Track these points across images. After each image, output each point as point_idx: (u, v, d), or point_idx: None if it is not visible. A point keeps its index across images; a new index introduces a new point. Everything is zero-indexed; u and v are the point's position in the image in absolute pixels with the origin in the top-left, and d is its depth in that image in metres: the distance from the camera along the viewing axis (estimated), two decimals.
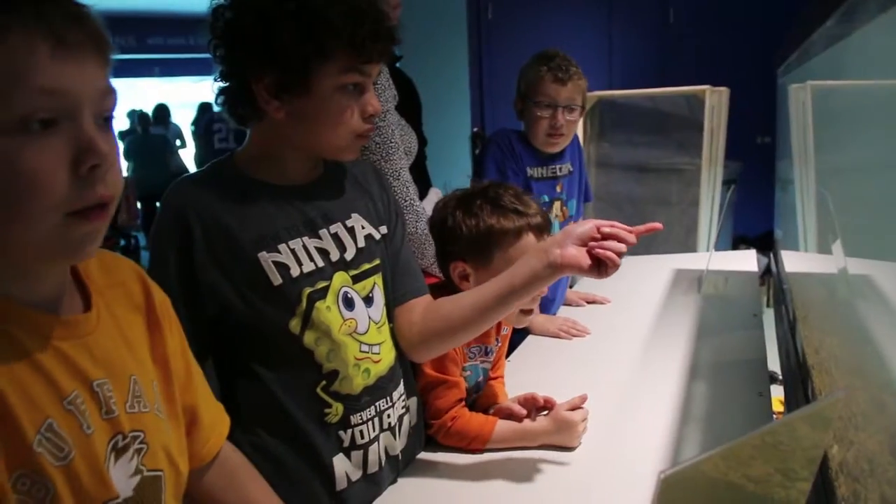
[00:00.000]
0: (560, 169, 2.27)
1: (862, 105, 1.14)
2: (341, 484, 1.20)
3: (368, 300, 1.24)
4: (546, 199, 2.22)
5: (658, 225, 1.25)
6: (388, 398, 1.27)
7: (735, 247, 4.77)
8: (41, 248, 0.70)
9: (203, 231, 1.12)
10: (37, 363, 0.72)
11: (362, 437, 1.22)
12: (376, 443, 1.24)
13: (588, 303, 2.36)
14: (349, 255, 1.22)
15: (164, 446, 0.85)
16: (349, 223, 1.24)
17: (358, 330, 1.22)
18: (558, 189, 2.27)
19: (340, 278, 1.21)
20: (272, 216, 1.17)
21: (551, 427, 1.40)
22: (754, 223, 4.78)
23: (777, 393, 2.10)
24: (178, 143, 9.05)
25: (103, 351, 0.79)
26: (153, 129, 8.86)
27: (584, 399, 1.44)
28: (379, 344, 1.25)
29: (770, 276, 3.51)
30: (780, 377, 2.19)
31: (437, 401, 1.39)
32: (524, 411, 1.40)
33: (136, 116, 9.08)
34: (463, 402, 1.42)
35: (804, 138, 2.15)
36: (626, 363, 1.83)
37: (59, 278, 0.78)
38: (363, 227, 1.26)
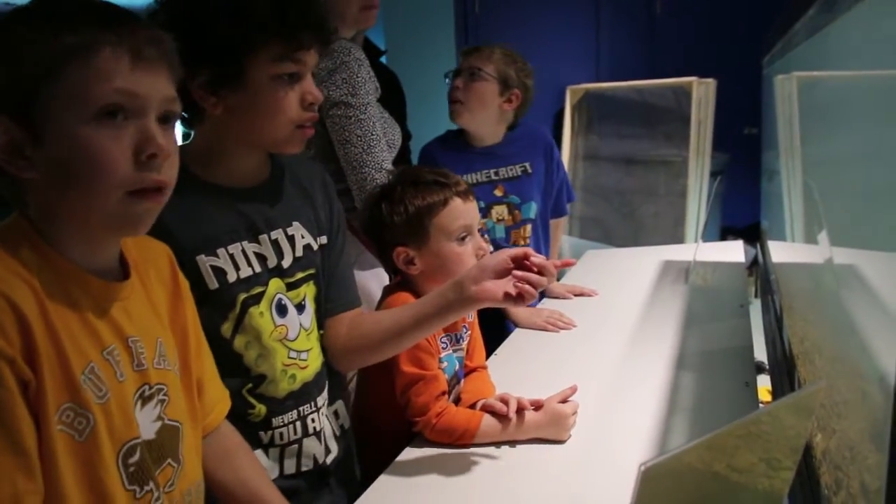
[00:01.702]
0: (499, 172, 2.21)
1: (846, 95, 1.14)
2: None
3: (300, 307, 1.27)
4: (482, 204, 2.14)
5: (572, 261, 1.27)
6: (313, 403, 1.29)
7: (723, 238, 4.78)
8: (106, 220, 0.85)
9: None
10: (86, 318, 0.85)
11: (282, 439, 1.25)
12: (297, 446, 1.26)
13: (575, 295, 2.35)
14: (286, 263, 1.24)
15: (182, 401, 0.98)
16: (290, 231, 1.25)
17: (288, 336, 1.24)
18: (498, 193, 2.21)
19: (276, 285, 1.22)
20: (214, 219, 1.17)
21: (542, 420, 1.40)
22: (742, 214, 4.79)
23: (765, 382, 2.11)
24: None
25: (138, 314, 0.92)
26: None
27: (574, 390, 1.45)
28: (307, 350, 1.28)
29: (757, 267, 3.52)
30: (768, 367, 2.20)
31: (418, 398, 1.39)
32: (505, 408, 1.39)
33: None
34: (445, 396, 1.42)
35: (790, 129, 2.15)
36: (614, 355, 1.84)
37: (112, 250, 0.91)
38: (303, 237, 1.27)
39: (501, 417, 1.38)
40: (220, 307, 1.17)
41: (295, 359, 1.25)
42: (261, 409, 1.22)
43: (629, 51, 5.33)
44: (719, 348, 1.88)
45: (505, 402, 1.40)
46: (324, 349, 1.33)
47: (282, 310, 1.23)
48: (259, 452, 1.22)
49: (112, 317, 0.88)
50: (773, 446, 0.79)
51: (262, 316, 1.20)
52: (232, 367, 1.18)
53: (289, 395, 1.25)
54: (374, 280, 1.83)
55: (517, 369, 1.77)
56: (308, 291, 1.29)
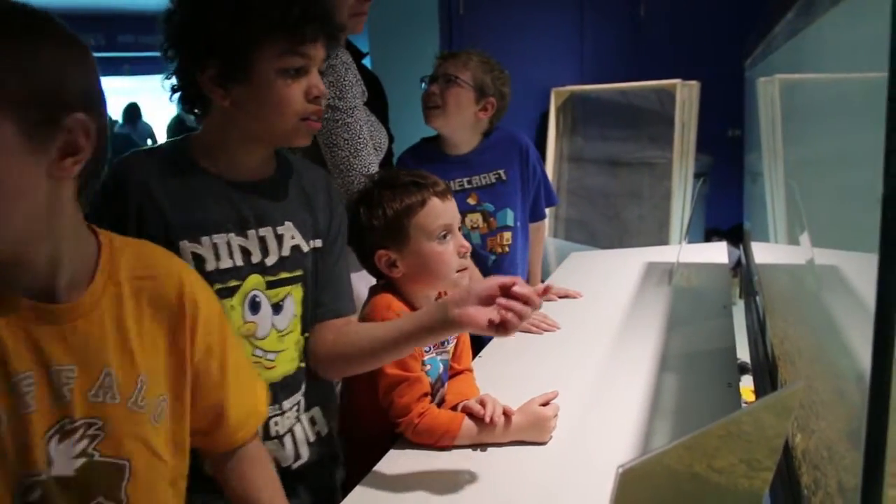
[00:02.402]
0: (472, 180, 2.18)
1: (825, 98, 1.15)
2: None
3: (277, 308, 1.26)
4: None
5: (557, 294, 1.25)
6: (278, 406, 1.27)
7: (708, 239, 4.80)
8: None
9: (137, 206, 1.15)
10: None
11: None
12: None
13: (559, 297, 2.35)
14: (270, 261, 1.24)
15: (138, 437, 0.92)
16: (280, 230, 1.25)
17: (256, 334, 1.24)
18: (471, 201, 2.18)
19: (254, 281, 1.22)
20: (206, 207, 1.19)
21: (523, 422, 1.40)
22: (726, 215, 4.81)
23: (749, 383, 2.12)
24: (149, 142, 9.00)
25: (81, 339, 0.87)
26: (119, 129, 8.85)
27: (556, 394, 1.45)
28: (277, 352, 1.26)
29: (741, 268, 3.54)
30: (751, 368, 2.21)
31: (401, 399, 1.39)
32: (482, 411, 1.39)
33: None
34: (427, 397, 1.42)
35: (773, 131, 2.16)
36: (597, 356, 1.84)
37: (46, 270, 0.85)
38: (293, 237, 1.27)
39: (481, 420, 1.38)
40: None
41: (260, 357, 1.24)
42: None
43: (614, 53, 5.36)
44: (702, 349, 1.88)
45: (484, 404, 1.40)
46: (309, 353, 1.32)
47: (255, 307, 1.23)
48: None
49: (36, 341, 0.84)
50: (754, 447, 0.79)
51: (232, 309, 1.20)
52: None
53: None
54: (361, 282, 1.83)
55: (501, 371, 1.77)
56: (293, 293, 1.28)
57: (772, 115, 2.08)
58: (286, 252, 1.26)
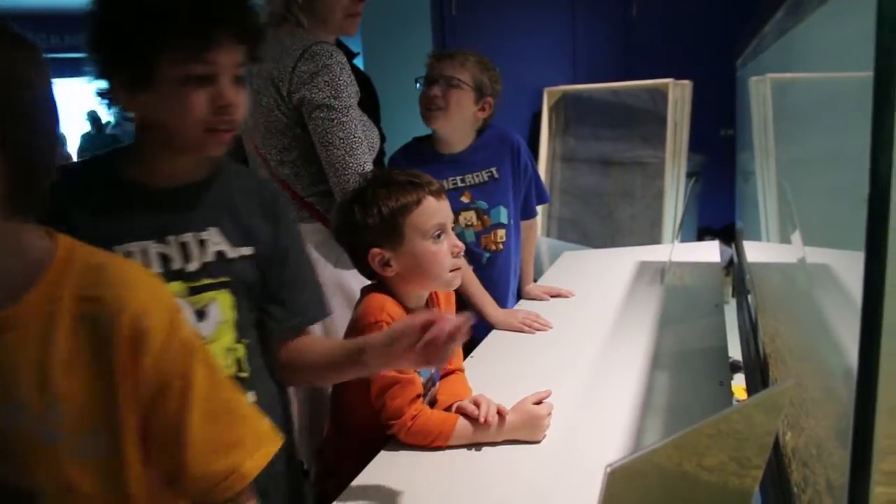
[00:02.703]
0: (465, 179, 2.20)
1: (816, 97, 1.15)
2: None
3: (200, 314, 1.21)
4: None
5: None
6: None
7: (700, 238, 4.81)
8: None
9: (59, 222, 1.08)
10: None
11: None
12: None
13: (552, 296, 2.36)
14: (192, 267, 1.20)
15: (50, 467, 0.86)
16: (203, 235, 1.21)
17: None
18: (465, 199, 2.20)
19: (175, 288, 1.18)
20: (121, 217, 1.16)
21: (517, 421, 1.40)
22: (719, 214, 4.82)
23: (741, 381, 2.13)
24: None
25: None
26: (111, 129, 8.89)
27: (549, 393, 1.46)
28: None
29: (734, 267, 3.55)
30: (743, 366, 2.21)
31: (394, 401, 1.39)
32: (476, 411, 1.39)
33: (90, 117, 9.20)
34: (420, 399, 1.42)
35: (765, 130, 2.17)
36: (590, 355, 1.84)
37: None
38: (217, 243, 1.23)
39: (475, 420, 1.38)
40: None
41: None
42: None
43: (606, 53, 5.37)
44: (694, 348, 1.89)
45: (478, 404, 1.40)
46: (245, 362, 1.27)
47: None
48: None
49: None
50: (744, 445, 0.79)
51: None
52: None
53: None
54: (354, 280, 1.83)
55: (494, 371, 1.77)
56: (220, 299, 1.23)
57: (764, 115, 2.08)
58: (209, 258, 1.22)
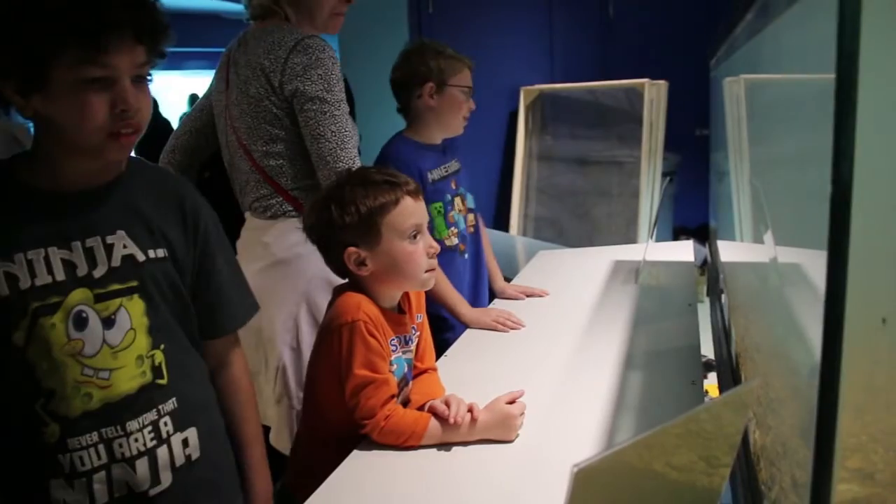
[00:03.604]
0: (449, 167, 2.26)
1: (785, 98, 1.16)
2: None
3: (108, 322, 1.17)
4: (449, 197, 2.22)
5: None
6: (120, 427, 1.18)
7: (676, 237, 4.85)
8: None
9: None
10: None
11: (83, 464, 1.15)
12: (103, 472, 1.17)
13: (526, 296, 2.37)
14: (98, 273, 1.16)
15: None
16: (110, 239, 1.17)
17: (84, 352, 1.15)
18: (453, 186, 2.26)
19: (80, 295, 1.14)
20: (20, 223, 1.12)
21: (490, 420, 1.40)
22: (694, 214, 4.86)
23: (716, 380, 2.14)
24: None
25: None
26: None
27: (522, 392, 1.46)
28: (111, 370, 1.17)
29: (708, 266, 3.57)
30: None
31: (368, 400, 1.38)
32: (447, 411, 1.39)
33: None
34: (394, 399, 1.41)
35: (738, 131, 2.19)
36: (563, 355, 1.85)
37: None
38: (125, 247, 1.18)
39: (446, 420, 1.38)
40: (11, 315, 1.11)
41: (91, 377, 1.15)
42: (54, 427, 1.14)
43: (583, 52, 5.38)
44: (667, 347, 1.90)
45: (449, 404, 1.40)
46: (164, 369, 1.24)
47: (80, 323, 1.14)
48: (61, 483, 1.15)
49: None
50: (713, 444, 0.79)
51: (53, 328, 1.12)
52: (24, 377, 1.12)
53: (84, 414, 1.15)
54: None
55: (467, 370, 1.77)
56: (129, 306, 1.19)
57: (737, 115, 2.10)
58: (116, 263, 1.17)
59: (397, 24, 4.90)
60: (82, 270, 1.15)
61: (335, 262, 1.50)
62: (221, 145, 2.06)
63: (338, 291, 1.52)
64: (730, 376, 1.63)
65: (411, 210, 1.46)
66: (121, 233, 1.18)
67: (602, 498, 0.67)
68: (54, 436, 1.14)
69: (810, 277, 0.87)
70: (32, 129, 1.16)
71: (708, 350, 2.13)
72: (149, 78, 1.16)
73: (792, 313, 0.96)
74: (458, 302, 2.10)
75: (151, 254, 1.21)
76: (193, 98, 9.00)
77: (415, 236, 1.47)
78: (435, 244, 1.50)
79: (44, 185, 1.14)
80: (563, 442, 1.40)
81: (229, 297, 1.34)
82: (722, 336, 1.99)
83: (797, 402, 0.75)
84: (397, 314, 1.51)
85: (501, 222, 5.24)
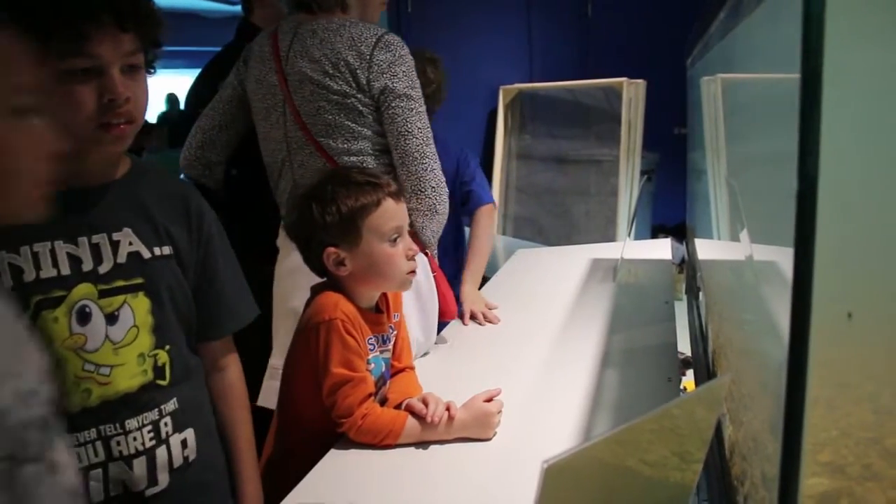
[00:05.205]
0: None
1: (759, 97, 1.17)
2: None
3: (112, 318, 1.17)
4: None
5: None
6: (118, 425, 1.18)
7: (654, 236, 4.87)
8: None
9: None
10: None
11: (80, 461, 1.14)
12: (100, 470, 1.17)
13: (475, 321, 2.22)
14: (103, 269, 1.16)
15: None
16: (116, 236, 1.18)
17: (86, 347, 1.15)
18: None
19: (84, 290, 1.15)
20: None
21: (467, 419, 1.40)
22: (673, 212, 4.88)
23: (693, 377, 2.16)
24: None
25: None
26: None
27: (499, 391, 1.46)
28: (111, 366, 1.17)
29: (686, 264, 3.60)
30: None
31: (345, 399, 1.38)
32: (424, 409, 1.39)
33: None
34: (371, 397, 1.41)
35: (715, 130, 2.20)
36: (541, 353, 1.85)
37: None
38: (131, 244, 1.19)
39: (423, 418, 1.38)
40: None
41: (91, 372, 1.16)
42: None
43: (561, 51, 5.40)
44: (644, 345, 1.91)
45: (427, 403, 1.40)
46: (165, 369, 1.24)
47: (84, 318, 1.15)
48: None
49: None
50: (685, 439, 0.80)
51: (55, 322, 1.13)
52: None
53: (82, 411, 1.15)
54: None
55: (444, 369, 1.78)
56: (134, 304, 1.19)
57: (714, 114, 2.11)
58: (122, 259, 1.18)
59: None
60: (87, 266, 1.15)
61: (314, 260, 1.49)
62: (268, 140, 1.98)
63: (316, 290, 1.51)
64: (706, 373, 1.64)
65: (392, 212, 1.46)
66: (127, 230, 1.19)
67: (574, 494, 0.68)
68: None
69: (782, 274, 0.87)
70: None
71: (686, 347, 2.15)
72: (151, 70, 1.17)
73: (764, 310, 0.97)
74: (473, 278, 2.19)
75: (157, 251, 1.22)
76: (171, 97, 8.89)
77: (395, 239, 1.46)
78: (414, 247, 1.50)
79: None
80: (541, 439, 1.41)
81: (230, 299, 1.34)
82: (699, 333, 2.00)
83: (767, 398, 0.76)
84: (375, 313, 1.51)
85: None
